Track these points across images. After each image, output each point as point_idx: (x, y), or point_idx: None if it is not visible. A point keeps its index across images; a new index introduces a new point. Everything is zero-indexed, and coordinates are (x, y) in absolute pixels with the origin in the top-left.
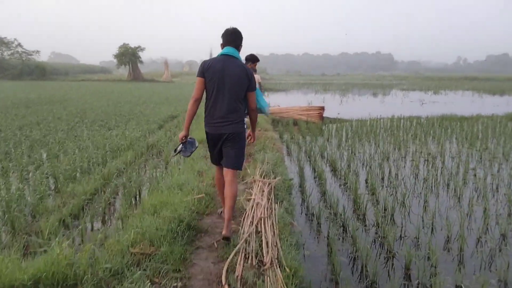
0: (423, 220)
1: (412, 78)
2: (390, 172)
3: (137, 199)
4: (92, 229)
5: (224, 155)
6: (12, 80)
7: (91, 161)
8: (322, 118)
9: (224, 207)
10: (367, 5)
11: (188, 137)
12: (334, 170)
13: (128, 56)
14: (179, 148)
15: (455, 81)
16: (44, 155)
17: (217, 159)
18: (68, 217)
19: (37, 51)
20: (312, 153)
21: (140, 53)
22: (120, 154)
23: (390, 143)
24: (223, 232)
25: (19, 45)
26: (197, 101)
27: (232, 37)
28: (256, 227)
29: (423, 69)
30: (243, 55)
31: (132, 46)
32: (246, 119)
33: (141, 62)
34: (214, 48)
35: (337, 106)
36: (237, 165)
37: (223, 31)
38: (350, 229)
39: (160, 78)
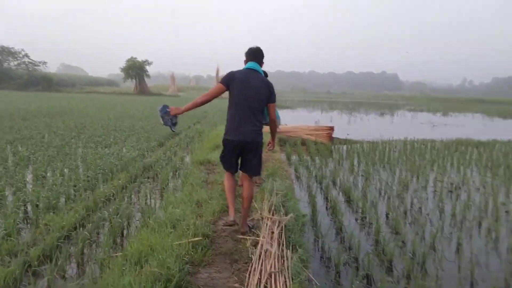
0: (459, 271)
1: (418, 98)
2: (412, 204)
3: (123, 237)
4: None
5: (245, 163)
6: (18, 90)
7: (78, 185)
8: (331, 138)
9: (242, 208)
10: (373, 25)
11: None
12: (349, 201)
13: (135, 69)
14: (165, 121)
15: (462, 103)
16: (29, 176)
17: (233, 166)
18: (36, 261)
19: (44, 62)
20: (323, 179)
21: (147, 67)
22: (112, 176)
23: (407, 169)
24: (241, 230)
25: (26, 55)
26: (207, 101)
27: (256, 55)
28: (265, 287)
29: (429, 89)
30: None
31: (140, 59)
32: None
33: (148, 76)
34: (221, 65)
35: (345, 126)
36: (258, 172)
37: (247, 50)
38: (375, 278)
39: (167, 92)
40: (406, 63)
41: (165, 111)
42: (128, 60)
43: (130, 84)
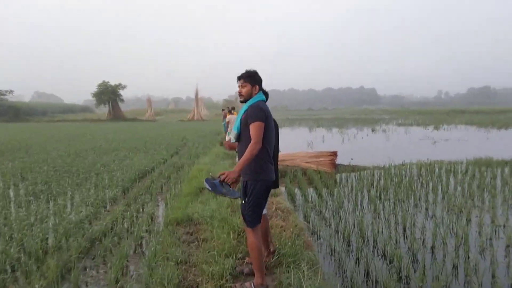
0: None
1: (399, 112)
2: (467, 261)
3: None
4: None
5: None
6: None
7: None
8: (335, 166)
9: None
10: (351, 43)
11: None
12: (390, 262)
13: (108, 94)
14: (225, 191)
15: (446, 114)
16: None
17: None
18: None
19: (11, 91)
20: (350, 235)
21: (121, 91)
22: (39, 260)
23: (445, 207)
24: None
25: None
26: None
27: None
28: None
29: (407, 103)
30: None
31: (112, 83)
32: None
33: (122, 100)
34: (200, 84)
35: (340, 146)
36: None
37: (256, 74)
38: None
39: (143, 117)
40: (383, 78)
41: (212, 183)
42: (99, 85)
43: (105, 110)
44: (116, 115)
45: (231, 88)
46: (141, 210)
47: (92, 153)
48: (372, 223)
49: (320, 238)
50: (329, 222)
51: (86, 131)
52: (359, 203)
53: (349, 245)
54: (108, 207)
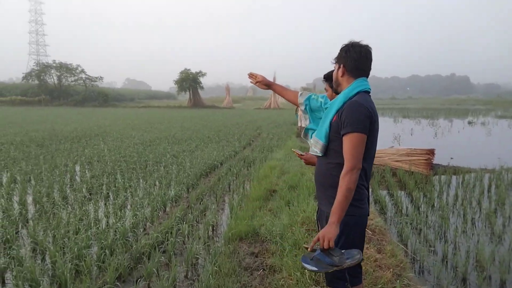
0: None
1: (494, 102)
2: None
3: None
4: None
5: None
6: (75, 106)
7: None
8: (431, 166)
9: None
10: (442, 26)
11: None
12: None
13: (189, 81)
14: (338, 259)
15: None
16: None
17: None
18: None
19: (101, 77)
20: (458, 260)
21: (201, 78)
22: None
23: None
24: None
25: (83, 71)
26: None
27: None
28: None
29: (504, 92)
30: (306, 74)
31: (193, 71)
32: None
33: (202, 87)
34: (278, 72)
35: (432, 141)
36: None
37: (348, 49)
38: None
39: (221, 104)
40: (478, 64)
41: (315, 259)
42: (181, 72)
43: (185, 97)
44: (196, 102)
45: (309, 75)
46: (202, 215)
47: (164, 142)
48: (494, 252)
49: (423, 272)
50: (434, 246)
51: (164, 118)
52: (469, 219)
53: (464, 283)
54: (167, 209)
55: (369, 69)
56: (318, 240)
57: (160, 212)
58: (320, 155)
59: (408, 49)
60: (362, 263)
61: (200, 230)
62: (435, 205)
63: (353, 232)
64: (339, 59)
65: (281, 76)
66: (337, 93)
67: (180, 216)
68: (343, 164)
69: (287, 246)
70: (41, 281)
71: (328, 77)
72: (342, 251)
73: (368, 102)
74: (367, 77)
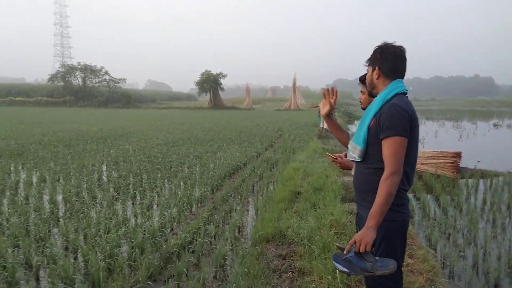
0: None
1: None
2: None
3: None
4: None
5: None
6: (99, 107)
7: None
8: (458, 169)
9: None
10: (465, 26)
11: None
12: None
13: (210, 83)
14: (371, 265)
15: None
16: None
17: None
18: None
19: (124, 79)
20: (490, 266)
21: (222, 80)
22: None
23: None
24: None
25: (107, 73)
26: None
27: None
28: None
29: None
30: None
31: (214, 73)
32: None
33: (222, 89)
34: (298, 73)
35: (457, 143)
36: None
37: (382, 50)
38: None
39: (241, 105)
40: (502, 64)
41: (347, 260)
42: (202, 74)
43: (206, 98)
44: (216, 103)
45: (329, 77)
46: (228, 216)
47: (187, 142)
48: None
49: (454, 277)
50: (463, 251)
51: (186, 119)
52: (499, 224)
53: None
54: (193, 209)
55: (405, 70)
56: (355, 243)
57: (187, 212)
58: (359, 160)
59: (430, 50)
60: None
61: (227, 231)
62: (463, 209)
63: (394, 237)
64: (373, 61)
65: (301, 77)
66: (371, 95)
67: (206, 217)
68: (383, 168)
69: (316, 249)
70: (75, 279)
71: (364, 80)
72: (377, 258)
73: (407, 104)
74: (403, 78)
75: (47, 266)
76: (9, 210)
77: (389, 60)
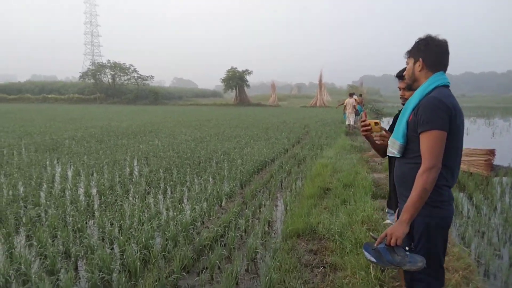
0: None
1: None
2: None
3: None
4: None
5: None
6: (128, 104)
7: None
8: (492, 167)
9: None
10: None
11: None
12: None
13: (235, 80)
14: (399, 259)
15: None
16: None
17: None
18: None
19: (151, 76)
20: None
21: (248, 77)
22: (132, 275)
23: None
24: None
25: (135, 70)
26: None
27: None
28: None
29: None
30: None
31: (240, 70)
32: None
33: (248, 85)
34: (324, 71)
35: (490, 141)
36: None
37: (425, 42)
38: None
39: (267, 102)
40: None
41: (376, 251)
42: (228, 71)
43: (231, 95)
44: (242, 100)
45: (356, 73)
46: (257, 211)
47: (215, 139)
48: None
49: (489, 276)
50: (499, 250)
51: (212, 115)
52: None
53: None
54: (223, 203)
55: (448, 63)
56: (386, 236)
57: (217, 207)
58: (398, 156)
59: (460, 45)
60: None
61: (257, 226)
62: (497, 208)
63: (434, 235)
64: (416, 53)
65: (327, 74)
66: (411, 89)
67: (237, 211)
68: (437, 150)
69: (348, 245)
70: (113, 269)
71: (401, 76)
72: (407, 253)
73: (447, 96)
74: (445, 71)
75: (85, 256)
76: (47, 202)
77: (434, 52)
